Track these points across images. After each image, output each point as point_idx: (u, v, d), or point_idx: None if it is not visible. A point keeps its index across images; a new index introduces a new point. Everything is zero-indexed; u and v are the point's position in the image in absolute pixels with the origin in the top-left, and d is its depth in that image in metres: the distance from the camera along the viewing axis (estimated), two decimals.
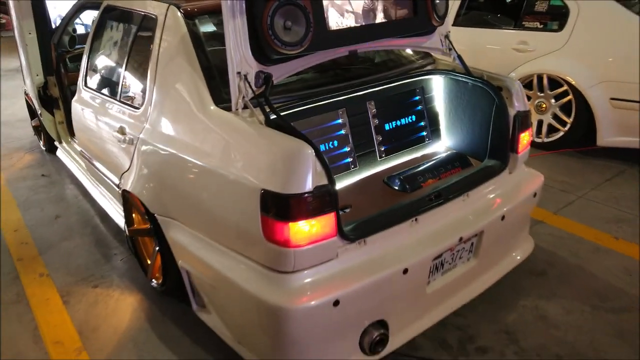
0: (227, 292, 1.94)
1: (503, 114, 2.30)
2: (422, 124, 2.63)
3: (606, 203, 3.32)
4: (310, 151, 1.64)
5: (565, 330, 2.25)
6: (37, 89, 3.72)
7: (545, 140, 4.14)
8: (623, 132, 3.77)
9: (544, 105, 4.10)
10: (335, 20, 2.01)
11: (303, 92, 2.18)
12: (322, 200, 1.68)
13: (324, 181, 1.69)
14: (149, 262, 2.63)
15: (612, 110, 3.75)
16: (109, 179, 2.83)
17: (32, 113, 4.60)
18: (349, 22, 2.05)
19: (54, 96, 3.91)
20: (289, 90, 2.15)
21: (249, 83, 1.86)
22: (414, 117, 2.60)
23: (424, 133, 2.64)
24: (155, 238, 2.38)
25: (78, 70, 3.90)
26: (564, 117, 4.02)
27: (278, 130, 1.76)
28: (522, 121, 2.31)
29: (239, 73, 1.84)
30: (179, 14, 2.23)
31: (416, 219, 2.00)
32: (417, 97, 2.61)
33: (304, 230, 1.68)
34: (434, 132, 2.67)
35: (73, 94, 3.85)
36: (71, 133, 4.01)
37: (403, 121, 2.56)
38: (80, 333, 2.34)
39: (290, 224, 1.66)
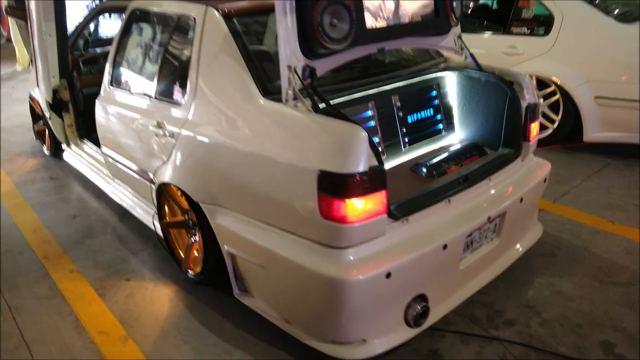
0: (279, 270, 2.06)
1: (516, 105, 2.51)
2: (439, 117, 2.82)
3: (598, 192, 3.58)
4: (364, 134, 1.79)
5: (580, 302, 2.45)
6: (63, 88, 3.74)
7: None
8: (607, 128, 4.07)
9: None
10: (369, 19, 2.18)
11: (337, 86, 2.34)
12: (375, 179, 1.83)
13: (375, 162, 1.84)
14: (182, 254, 2.72)
15: (597, 107, 4.04)
16: (138, 174, 2.90)
17: (35, 118, 4.61)
18: (381, 21, 2.22)
19: (64, 99, 3.94)
20: (325, 83, 2.30)
21: (298, 75, 2.00)
22: (432, 111, 2.79)
23: (441, 126, 2.83)
24: (197, 227, 2.48)
25: (90, 73, 4.00)
26: (553, 115, 4.30)
27: (328, 116, 1.92)
28: (533, 112, 2.53)
29: (289, 66, 1.98)
30: (217, 14, 2.36)
31: (449, 200, 2.17)
32: (434, 93, 2.80)
33: (359, 207, 1.83)
34: (449, 125, 2.86)
35: (85, 96, 3.95)
36: (80, 135, 4.07)
37: (423, 114, 2.74)
38: (123, 322, 2.41)
39: (347, 201, 1.80)
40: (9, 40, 11.32)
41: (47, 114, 4.10)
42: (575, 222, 3.19)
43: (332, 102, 2.26)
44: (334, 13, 1.98)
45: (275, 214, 2.04)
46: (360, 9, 2.08)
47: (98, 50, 4.12)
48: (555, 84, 4.18)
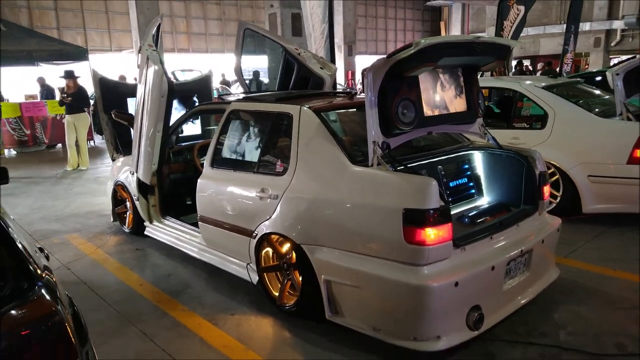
0: (372, 286, 2.78)
1: (532, 173, 3.38)
2: (471, 184, 3.68)
3: (599, 250, 4.35)
4: (435, 182, 2.64)
5: (597, 321, 3.14)
6: (152, 174, 4.60)
7: None
8: (601, 201, 4.93)
9: None
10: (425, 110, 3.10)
11: (400, 157, 3.22)
12: (444, 214, 2.64)
13: (443, 203, 2.66)
14: (274, 292, 3.42)
15: (591, 184, 4.93)
16: (237, 232, 3.64)
17: (117, 202, 5.42)
18: (431, 111, 3.14)
19: (151, 184, 4.79)
20: (393, 155, 3.18)
21: (379, 148, 2.89)
22: (465, 179, 3.65)
23: (473, 191, 3.68)
24: (292, 267, 3.22)
25: (177, 162, 4.92)
26: (555, 192, 5.18)
27: (405, 173, 2.77)
28: (544, 177, 3.40)
29: (374, 142, 2.87)
30: (309, 110, 3.31)
31: (491, 237, 2.97)
32: (467, 166, 3.69)
33: (434, 234, 2.62)
34: (479, 190, 3.71)
35: (172, 181, 4.82)
36: (162, 213, 4.86)
37: (460, 181, 3.61)
38: (240, 340, 3.06)
39: (426, 229, 2.60)
40: (48, 146, 12.56)
41: (134, 197, 4.94)
42: (584, 271, 3.92)
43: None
44: (405, 106, 2.91)
45: (367, 245, 2.81)
46: (420, 103, 3.01)
47: (183, 144, 5.09)
48: (554, 166, 5.11)
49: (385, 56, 2.83)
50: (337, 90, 5.87)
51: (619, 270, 3.90)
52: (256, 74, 12.90)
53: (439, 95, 3.16)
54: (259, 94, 4.25)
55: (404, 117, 2.91)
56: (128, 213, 5.27)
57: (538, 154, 3.45)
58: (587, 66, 21.56)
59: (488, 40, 3.16)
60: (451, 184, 3.54)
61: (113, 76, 6.35)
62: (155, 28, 4.81)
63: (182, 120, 4.68)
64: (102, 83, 5.79)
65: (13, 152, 11.91)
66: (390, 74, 2.84)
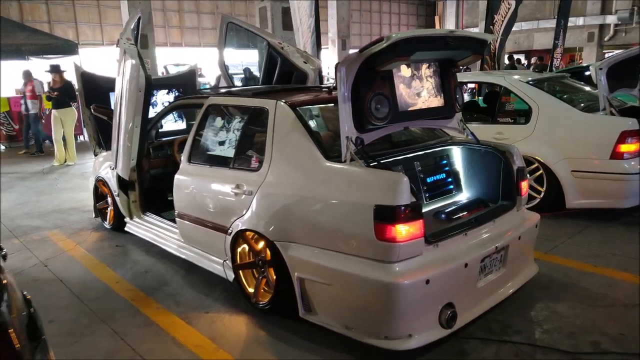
0: (343, 283, 2.74)
1: (509, 168, 3.34)
2: (450, 179, 3.64)
3: (581, 246, 4.32)
4: (407, 179, 2.59)
5: (573, 318, 3.11)
6: (131, 170, 4.53)
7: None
8: (584, 196, 4.90)
9: None
10: (400, 105, 3.06)
11: (376, 153, 3.17)
12: (415, 211, 2.60)
13: (414, 199, 2.62)
14: (249, 289, 3.38)
15: (574, 179, 4.90)
16: (213, 229, 3.59)
17: (98, 198, 5.35)
18: (407, 107, 3.09)
19: (131, 180, 4.73)
20: (369, 151, 3.13)
21: (353, 143, 2.84)
22: (444, 175, 3.61)
23: (452, 186, 3.63)
24: (266, 264, 3.17)
25: (157, 157, 4.85)
26: (538, 187, 5.15)
27: (377, 169, 2.72)
28: (522, 173, 3.36)
29: (347, 137, 2.82)
30: (285, 105, 3.26)
31: (466, 234, 2.92)
32: (445, 161, 3.65)
33: (405, 230, 2.57)
34: (457, 186, 3.67)
35: (152, 176, 4.76)
36: (142, 209, 4.80)
37: (437, 177, 3.57)
38: (212, 339, 3.01)
39: (397, 225, 2.55)
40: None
41: (115, 192, 4.87)
42: (564, 267, 3.89)
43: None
44: (378, 101, 2.86)
45: (339, 241, 2.77)
46: (394, 98, 2.96)
47: (163, 139, 5.02)
48: (538, 161, 5.07)
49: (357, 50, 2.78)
50: (328, 84, 5.83)
51: (600, 267, 3.87)
52: (246, 70, 12.79)
53: (415, 90, 3.11)
54: (238, 88, 4.19)
55: (378, 112, 2.86)
56: (109, 209, 5.21)
57: (516, 149, 3.40)
58: (581, 61, 21.58)
59: (463, 35, 3.11)
60: (429, 180, 3.50)
61: (105, 71, 6.27)
62: (135, 22, 4.73)
63: (162, 115, 4.62)
64: (84, 77, 5.72)
65: (1, 147, 11.79)
66: (364, 68, 2.79)
